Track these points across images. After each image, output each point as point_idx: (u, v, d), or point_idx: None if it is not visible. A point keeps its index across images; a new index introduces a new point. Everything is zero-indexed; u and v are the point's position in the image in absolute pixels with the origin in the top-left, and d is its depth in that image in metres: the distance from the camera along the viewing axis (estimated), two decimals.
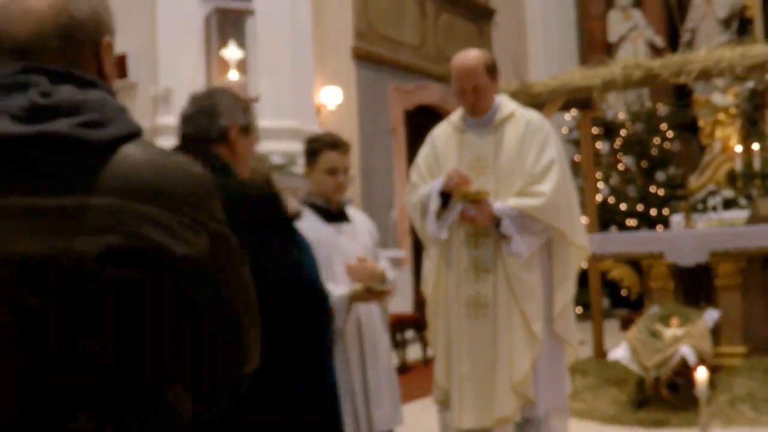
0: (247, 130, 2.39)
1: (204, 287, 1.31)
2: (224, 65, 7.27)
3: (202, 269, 1.29)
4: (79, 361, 1.24)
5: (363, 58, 10.02)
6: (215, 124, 2.33)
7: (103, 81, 1.36)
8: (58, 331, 1.22)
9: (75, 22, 1.32)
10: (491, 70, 3.71)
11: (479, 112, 3.77)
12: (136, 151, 1.28)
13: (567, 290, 3.79)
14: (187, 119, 2.37)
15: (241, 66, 7.32)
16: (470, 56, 3.72)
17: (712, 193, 10.44)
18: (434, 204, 3.68)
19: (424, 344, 8.15)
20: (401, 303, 8.59)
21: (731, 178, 10.91)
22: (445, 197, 3.68)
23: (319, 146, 3.52)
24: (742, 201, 10.12)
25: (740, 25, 12.77)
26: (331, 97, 9.30)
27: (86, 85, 1.30)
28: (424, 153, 3.96)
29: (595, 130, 10.87)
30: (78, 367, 1.24)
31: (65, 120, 1.23)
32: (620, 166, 12.41)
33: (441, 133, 3.94)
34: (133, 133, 1.30)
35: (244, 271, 1.40)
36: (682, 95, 13.01)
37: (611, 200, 11.87)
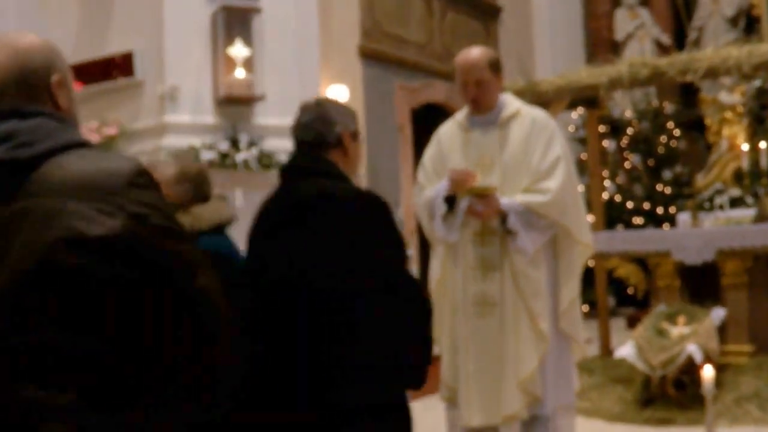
0: (356, 135, 2.61)
1: (130, 263, 1.44)
2: (231, 63, 7.27)
3: (120, 245, 1.44)
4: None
5: (369, 56, 10.01)
6: (331, 131, 2.53)
7: (57, 109, 1.65)
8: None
9: (29, 70, 1.64)
10: (494, 66, 3.72)
11: (482, 108, 3.78)
12: (62, 159, 1.52)
13: (572, 287, 3.79)
14: (303, 127, 2.55)
15: (248, 64, 7.33)
16: (474, 51, 3.75)
17: (719, 192, 10.42)
18: (440, 209, 3.69)
19: None
20: None
21: (738, 177, 10.88)
22: (451, 201, 3.69)
23: None
24: (749, 199, 10.10)
25: (747, 24, 12.73)
26: (337, 95, 9.30)
27: (29, 116, 1.58)
28: (429, 153, 3.96)
29: (601, 129, 10.85)
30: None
31: (1, 147, 1.51)
32: (627, 165, 12.39)
33: (446, 132, 3.94)
34: (69, 145, 1.55)
35: (177, 244, 1.53)
36: (688, 94, 12.97)
37: (618, 198, 11.85)
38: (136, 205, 1.48)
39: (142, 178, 1.54)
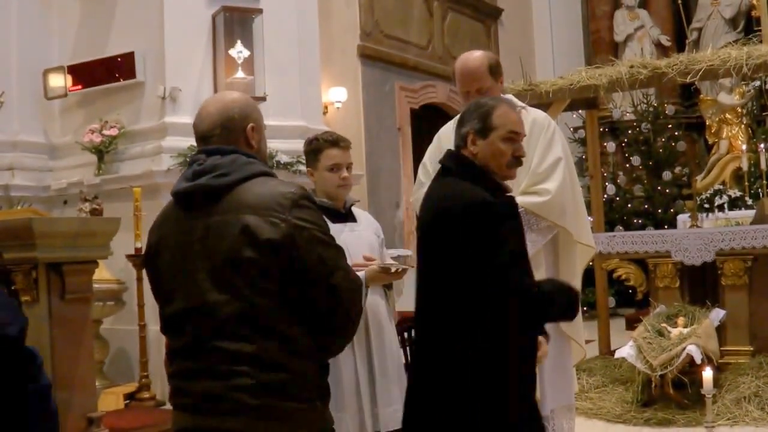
0: (483, 131, 2.77)
1: (290, 259, 2.13)
2: (231, 64, 7.28)
3: (282, 246, 2.12)
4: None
5: (369, 57, 10.03)
6: (458, 133, 2.84)
7: (248, 148, 2.32)
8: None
9: (230, 118, 2.31)
10: (495, 71, 3.68)
11: None
12: (249, 186, 2.20)
13: None
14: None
15: (248, 65, 7.33)
16: (473, 58, 3.68)
17: (719, 193, 10.43)
18: None
19: None
20: (407, 301, 8.59)
21: (738, 178, 10.91)
22: None
23: (320, 145, 3.53)
24: (749, 200, 10.11)
25: (747, 25, 12.75)
26: (337, 96, 9.31)
27: (227, 153, 2.26)
28: (430, 151, 3.96)
29: (601, 130, 10.86)
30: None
31: (206, 177, 2.22)
32: (627, 166, 12.40)
33: (448, 133, 3.94)
34: (254, 175, 2.23)
35: (324, 250, 2.19)
36: (688, 95, 13.00)
37: (618, 199, 11.87)
38: (297, 220, 2.15)
39: (303, 200, 2.19)
